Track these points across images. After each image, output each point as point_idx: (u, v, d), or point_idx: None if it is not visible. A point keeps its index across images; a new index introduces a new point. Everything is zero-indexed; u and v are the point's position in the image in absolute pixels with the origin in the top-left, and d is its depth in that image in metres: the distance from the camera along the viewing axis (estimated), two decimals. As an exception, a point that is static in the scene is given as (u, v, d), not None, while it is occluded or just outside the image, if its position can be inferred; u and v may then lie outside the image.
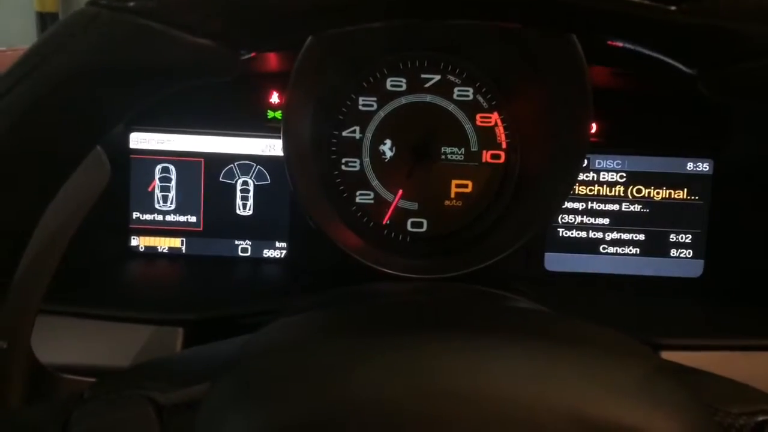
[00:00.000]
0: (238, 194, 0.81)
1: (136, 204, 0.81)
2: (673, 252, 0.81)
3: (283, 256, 0.82)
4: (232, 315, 0.66)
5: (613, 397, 0.28)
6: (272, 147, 0.80)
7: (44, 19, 3.53)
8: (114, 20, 0.27)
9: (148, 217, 0.81)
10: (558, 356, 0.30)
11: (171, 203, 0.81)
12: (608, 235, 0.81)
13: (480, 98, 0.78)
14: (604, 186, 0.80)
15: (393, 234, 0.80)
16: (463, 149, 0.79)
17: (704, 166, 0.80)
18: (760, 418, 0.31)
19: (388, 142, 0.79)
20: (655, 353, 0.59)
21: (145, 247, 0.81)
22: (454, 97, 0.78)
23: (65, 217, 0.46)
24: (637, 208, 0.80)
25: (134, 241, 0.81)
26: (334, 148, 0.79)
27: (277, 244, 0.82)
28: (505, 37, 0.72)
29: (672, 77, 0.31)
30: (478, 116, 0.79)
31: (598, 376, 0.29)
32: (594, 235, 0.81)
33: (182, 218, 0.81)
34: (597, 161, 0.80)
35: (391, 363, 0.29)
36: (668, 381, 0.30)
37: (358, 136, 0.79)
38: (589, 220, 0.81)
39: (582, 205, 0.81)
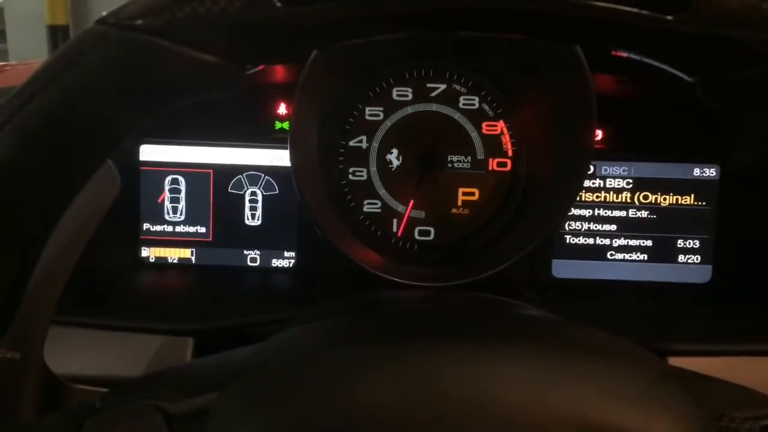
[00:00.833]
0: (247, 205, 0.81)
1: (147, 215, 0.81)
2: (681, 258, 0.81)
3: (291, 265, 0.82)
4: (242, 324, 0.66)
5: (616, 403, 0.28)
6: (280, 158, 0.80)
7: (55, 31, 3.57)
8: (122, 38, 0.27)
9: (158, 228, 0.82)
10: (563, 363, 0.30)
11: (181, 214, 0.81)
12: (615, 242, 0.81)
13: (486, 107, 0.79)
14: (611, 192, 0.81)
15: (401, 243, 0.81)
16: (469, 157, 0.79)
17: (711, 172, 0.79)
18: (765, 423, 0.31)
19: (395, 151, 0.79)
20: (661, 359, 0.59)
21: (156, 257, 0.82)
22: (460, 105, 0.79)
23: (76, 229, 0.46)
24: (644, 214, 0.81)
25: (144, 252, 0.82)
26: (341, 158, 0.80)
27: (286, 254, 0.82)
28: (510, 46, 0.72)
29: (676, 84, 0.31)
30: (484, 124, 0.79)
31: (602, 383, 0.29)
32: (601, 241, 0.81)
33: (192, 229, 0.82)
34: (603, 168, 0.80)
35: (398, 372, 0.29)
36: (672, 386, 0.30)
37: (364, 145, 0.79)
38: (596, 226, 0.81)
39: (589, 212, 0.81)
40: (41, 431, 0.32)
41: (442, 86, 0.79)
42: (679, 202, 0.80)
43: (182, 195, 0.81)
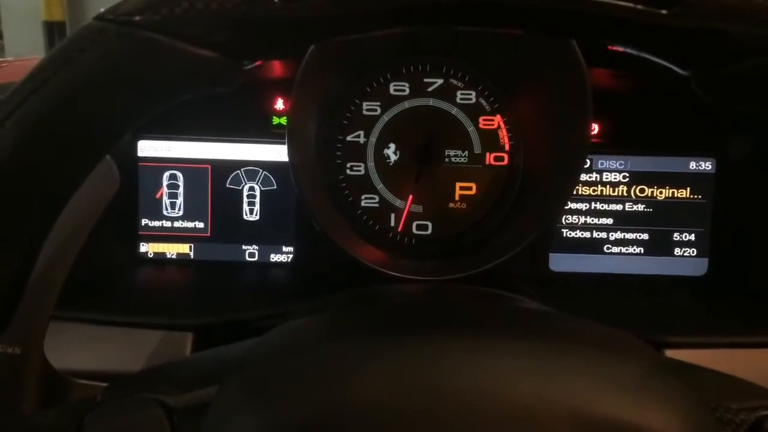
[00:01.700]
0: (245, 200, 0.82)
1: (145, 211, 0.82)
2: (677, 251, 0.81)
3: (289, 260, 0.83)
4: (240, 319, 0.66)
5: (611, 394, 0.28)
6: (278, 153, 0.81)
7: (51, 28, 3.56)
8: (120, 34, 0.27)
9: (156, 223, 0.82)
10: (559, 354, 0.30)
11: (179, 210, 0.81)
12: (612, 235, 0.82)
13: (482, 101, 0.79)
14: (608, 186, 0.81)
15: (398, 237, 0.81)
16: (466, 152, 0.80)
17: (707, 165, 0.80)
18: (760, 414, 0.31)
19: (392, 146, 0.79)
20: (656, 351, 0.59)
21: (154, 253, 0.82)
22: (457, 100, 0.79)
23: (76, 225, 0.46)
24: (640, 207, 0.81)
25: (143, 248, 0.82)
26: (338, 153, 0.80)
27: (284, 249, 0.83)
28: (507, 41, 0.72)
29: (672, 78, 0.32)
30: (480, 119, 0.79)
31: (597, 373, 0.29)
32: (598, 235, 0.82)
33: (190, 224, 0.82)
34: (600, 162, 0.80)
35: (396, 365, 0.29)
36: (668, 377, 0.30)
37: (362, 140, 0.80)
38: (592, 220, 0.82)
39: (586, 206, 0.81)
40: (43, 425, 0.32)
41: (439, 81, 0.79)
42: (675, 195, 0.80)
43: (180, 190, 0.81)
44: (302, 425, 0.27)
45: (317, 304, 0.57)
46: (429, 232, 0.81)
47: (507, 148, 0.80)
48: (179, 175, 0.81)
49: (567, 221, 0.82)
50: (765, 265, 0.77)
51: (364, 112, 0.79)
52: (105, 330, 0.63)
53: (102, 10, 0.28)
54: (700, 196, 0.80)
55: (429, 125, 0.79)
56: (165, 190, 0.81)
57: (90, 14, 0.29)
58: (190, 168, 0.81)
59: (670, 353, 0.62)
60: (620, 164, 0.80)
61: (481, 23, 0.31)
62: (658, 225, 0.81)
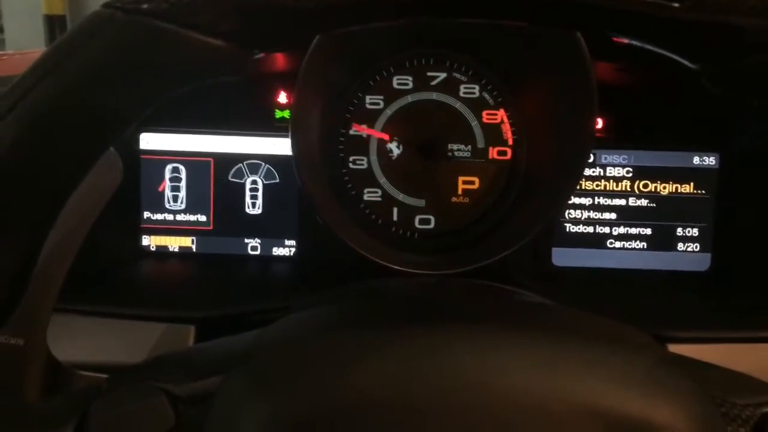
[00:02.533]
0: (248, 193, 0.81)
1: (147, 204, 0.81)
2: (680, 246, 0.81)
3: (292, 253, 0.83)
4: (243, 312, 0.66)
5: (618, 388, 0.28)
6: (281, 146, 0.80)
7: (52, 21, 3.55)
8: (128, 22, 0.27)
9: (158, 216, 0.82)
10: (565, 349, 0.30)
11: (181, 203, 0.81)
12: (615, 230, 0.81)
13: (486, 95, 0.79)
14: (611, 181, 0.81)
15: (401, 231, 0.81)
16: (469, 146, 0.79)
17: (710, 160, 0.80)
18: (766, 410, 0.31)
19: (395, 140, 0.79)
20: (662, 346, 0.59)
21: (156, 246, 0.82)
22: (461, 94, 0.79)
23: (79, 216, 0.46)
24: (643, 202, 0.81)
25: (145, 241, 0.82)
26: (341, 147, 0.80)
27: (287, 242, 0.82)
28: (511, 34, 0.72)
29: (677, 72, 0.31)
30: (484, 113, 0.79)
31: (603, 368, 0.29)
32: (601, 230, 0.82)
33: (192, 217, 0.82)
34: (603, 156, 0.80)
35: (400, 357, 0.29)
36: (673, 372, 0.30)
37: (365, 134, 0.79)
38: (596, 215, 0.81)
39: (589, 201, 0.81)
40: (48, 413, 0.32)
41: (443, 75, 0.79)
42: (679, 190, 0.80)
43: (183, 183, 0.81)
44: (309, 415, 0.27)
45: (320, 297, 0.57)
46: (431, 226, 0.81)
47: (510, 142, 0.79)
48: (182, 168, 0.81)
49: (570, 216, 0.81)
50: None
51: (367, 106, 0.79)
52: (107, 322, 0.63)
53: (102, 3, 0.28)
54: (703, 191, 0.80)
55: (432, 119, 0.79)
56: (167, 183, 0.81)
57: (90, 8, 0.28)
58: (193, 161, 0.81)
59: (672, 348, 0.62)
60: (624, 159, 0.80)
61: (485, 15, 0.31)
62: (661, 220, 0.81)
